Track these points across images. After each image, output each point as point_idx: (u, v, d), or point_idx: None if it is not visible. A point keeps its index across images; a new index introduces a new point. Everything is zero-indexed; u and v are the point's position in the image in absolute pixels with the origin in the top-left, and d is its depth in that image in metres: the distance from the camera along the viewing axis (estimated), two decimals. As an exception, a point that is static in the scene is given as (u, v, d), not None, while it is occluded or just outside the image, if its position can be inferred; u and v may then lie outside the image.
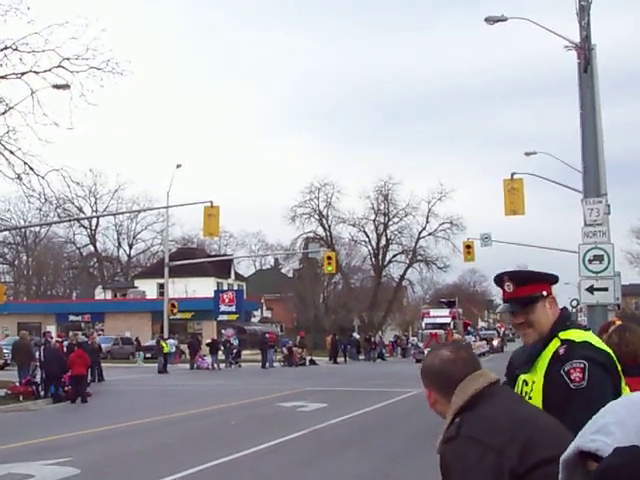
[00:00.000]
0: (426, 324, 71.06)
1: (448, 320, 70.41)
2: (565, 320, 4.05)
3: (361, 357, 73.01)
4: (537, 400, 3.87)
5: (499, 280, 4.20)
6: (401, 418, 23.58)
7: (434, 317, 72.08)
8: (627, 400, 2.26)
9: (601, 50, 23.13)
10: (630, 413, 2.17)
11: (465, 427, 3.12)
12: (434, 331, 67.14)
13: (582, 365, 3.72)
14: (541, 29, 25.16)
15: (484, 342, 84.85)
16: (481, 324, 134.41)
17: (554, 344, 3.92)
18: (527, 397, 3.92)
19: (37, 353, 30.79)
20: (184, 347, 61.97)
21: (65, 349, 32.12)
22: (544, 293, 4.07)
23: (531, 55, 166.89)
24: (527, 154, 47.47)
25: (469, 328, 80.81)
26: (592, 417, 2.21)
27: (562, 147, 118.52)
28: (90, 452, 16.49)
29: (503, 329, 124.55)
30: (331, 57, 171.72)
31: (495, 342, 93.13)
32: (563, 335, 3.92)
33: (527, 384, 4.00)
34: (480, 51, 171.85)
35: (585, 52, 21.89)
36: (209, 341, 57.65)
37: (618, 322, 6.42)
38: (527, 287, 4.08)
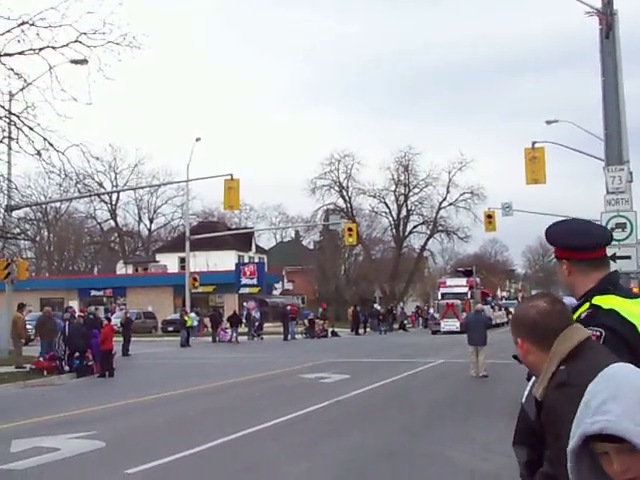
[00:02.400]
0: (442, 294, 68.68)
1: (465, 290, 68.09)
2: (605, 285, 3.91)
3: (382, 328, 73.02)
4: None
5: None
6: (422, 389, 23.61)
7: (450, 287, 69.47)
8: (603, 379, 2.26)
9: (622, 17, 22.88)
10: (615, 387, 2.18)
11: (575, 375, 3.06)
12: (451, 301, 65.32)
13: (598, 333, 3.59)
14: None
15: (503, 312, 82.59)
16: (503, 294, 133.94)
17: (584, 307, 3.85)
18: None
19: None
20: (207, 320, 62.21)
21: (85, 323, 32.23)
22: (558, 255, 4.05)
23: (553, 23, 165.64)
24: (548, 122, 47.23)
25: (487, 298, 78.10)
26: None
27: (584, 117, 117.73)
28: (115, 425, 16.61)
29: (522, 298, 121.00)
30: (352, 30, 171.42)
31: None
32: (595, 300, 3.82)
33: None
34: (501, 21, 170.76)
35: (607, 18, 21.67)
36: (230, 314, 57.80)
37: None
38: (551, 244, 4.10)
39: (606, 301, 3.77)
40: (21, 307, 33.38)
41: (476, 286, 72.45)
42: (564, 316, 3.37)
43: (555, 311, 3.37)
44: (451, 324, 62.53)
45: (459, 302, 64.90)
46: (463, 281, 71.69)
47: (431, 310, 79.06)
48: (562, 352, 3.22)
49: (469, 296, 66.56)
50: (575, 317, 3.82)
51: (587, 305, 3.82)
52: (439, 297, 69.65)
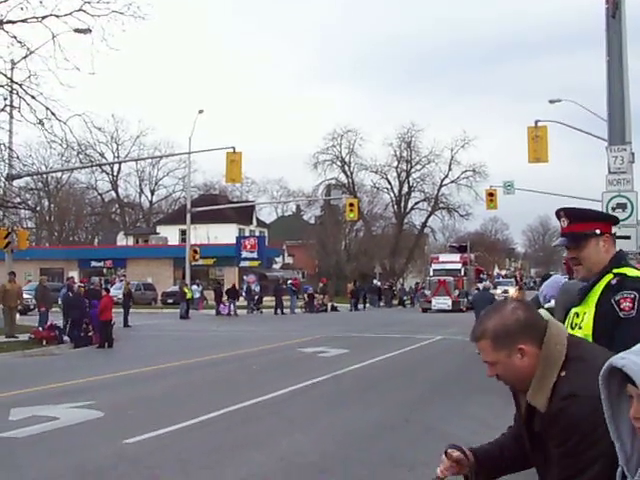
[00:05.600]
0: (434, 270, 65.09)
1: (458, 266, 64.85)
2: (620, 259, 4.09)
3: (381, 304, 72.98)
4: (587, 330, 3.93)
5: (557, 215, 4.29)
6: (421, 364, 23.66)
7: (443, 263, 66.00)
8: None
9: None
10: None
11: (582, 382, 2.99)
12: (443, 278, 61.90)
13: (632, 295, 3.79)
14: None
15: (500, 291, 78.59)
16: (503, 272, 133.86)
17: (607, 277, 3.97)
18: (577, 328, 4.01)
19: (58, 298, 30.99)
20: (207, 293, 62.35)
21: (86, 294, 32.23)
22: (597, 231, 4.09)
23: (561, 4, 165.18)
24: (552, 102, 47.04)
25: (482, 275, 75.49)
26: None
27: (588, 98, 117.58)
28: (114, 395, 16.67)
29: (520, 276, 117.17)
30: (362, 7, 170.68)
31: (511, 290, 78.66)
32: (617, 270, 3.97)
33: (578, 316, 4.07)
34: (508, 1, 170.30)
35: (613, -3, 21.58)
36: (229, 287, 57.78)
37: None
38: (580, 224, 4.12)
39: (629, 271, 3.97)
40: (12, 275, 33.00)
41: (470, 263, 69.69)
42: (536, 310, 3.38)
43: (531, 306, 3.38)
44: (442, 302, 60.35)
45: (451, 279, 62.01)
46: (456, 257, 68.83)
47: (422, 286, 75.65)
48: (558, 356, 3.15)
49: (462, 273, 64.08)
50: (603, 285, 3.98)
51: (611, 275, 3.96)
52: (431, 273, 66.34)
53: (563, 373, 3.12)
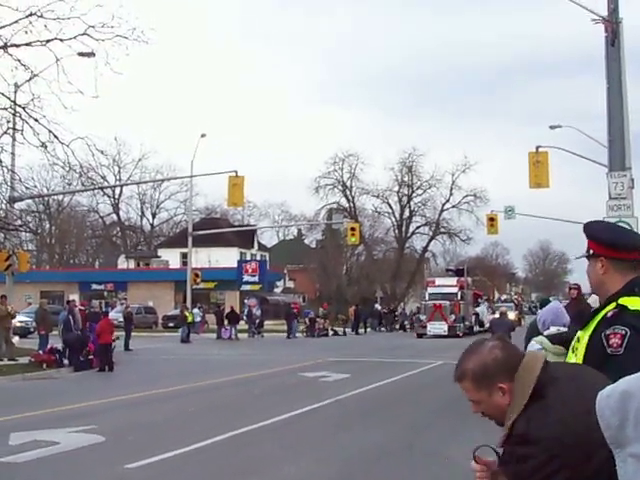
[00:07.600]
0: (430, 294, 62.58)
1: (455, 290, 62.04)
2: (632, 287, 3.86)
3: (382, 328, 72.86)
4: (580, 357, 3.80)
5: None
6: (423, 389, 23.63)
7: (439, 287, 63.41)
8: None
9: (627, 25, 23.00)
10: None
11: (537, 429, 2.95)
12: (438, 302, 59.75)
13: (623, 332, 3.60)
14: (569, 3, 24.85)
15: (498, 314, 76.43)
16: (504, 296, 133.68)
17: (610, 307, 3.81)
18: (575, 352, 3.88)
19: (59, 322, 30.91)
20: (208, 317, 62.25)
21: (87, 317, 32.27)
22: (591, 251, 3.97)
23: (563, 31, 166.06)
24: (552, 127, 47.19)
25: (479, 299, 74.34)
26: None
27: (589, 124, 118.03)
28: (115, 420, 16.64)
29: (519, 301, 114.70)
30: (365, 31, 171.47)
31: (511, 314, 74.84)
32: (622, 300, 3.78)
33: (579, 340, 3.92)
34: (510, 27, 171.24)
35: (612, 25, 21.76)
36: (229, 311, 57.67)
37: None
38: (588, 240, 4.02)
39: (633, 302, 3.75)
40: (3, 299, 32.74)
41: (467, 286, 68.09)
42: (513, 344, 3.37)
43: (508, 342, 3.35)
44: (438, 327, 58.58)
45: (447, 303, 59.99)
46: (453, 281, 66.76)
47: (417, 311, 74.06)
48: (523, 395, 3.13)
49: (459, 297, 62.01)
50: (600, 317, 3.81)
51: (613, 305, 3.79)
52: (426, 297, 63.80)
53: (523, 414, 3.09)
